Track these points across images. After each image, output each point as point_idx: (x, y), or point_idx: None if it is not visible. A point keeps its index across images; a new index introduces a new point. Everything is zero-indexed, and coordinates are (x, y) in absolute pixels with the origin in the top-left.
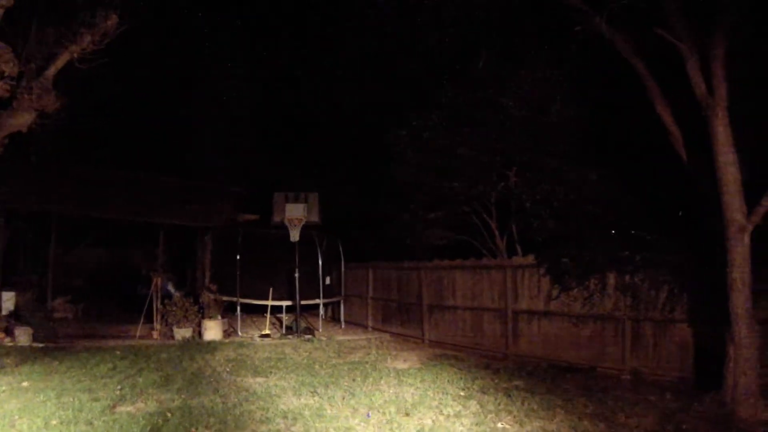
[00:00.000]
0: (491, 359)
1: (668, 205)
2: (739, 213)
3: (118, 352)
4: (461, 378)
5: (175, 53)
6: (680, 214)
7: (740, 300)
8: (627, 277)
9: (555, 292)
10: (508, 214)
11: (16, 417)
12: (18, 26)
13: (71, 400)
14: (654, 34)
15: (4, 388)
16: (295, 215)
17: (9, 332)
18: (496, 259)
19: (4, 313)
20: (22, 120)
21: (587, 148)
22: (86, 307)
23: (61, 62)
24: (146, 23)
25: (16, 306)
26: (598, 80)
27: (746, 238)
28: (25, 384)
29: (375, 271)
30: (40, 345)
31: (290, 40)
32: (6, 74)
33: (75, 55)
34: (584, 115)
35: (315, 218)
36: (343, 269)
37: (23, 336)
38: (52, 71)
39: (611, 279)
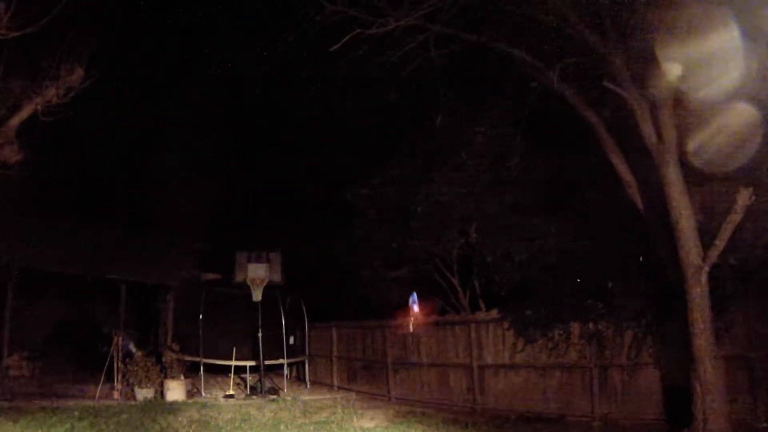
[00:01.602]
0: (459, 414)
1: (628, 251)
2: (695, 255)
3: (76, 413)
4: None
5: (141, 107)
6: (640, 259)
7: (702, 339)
8: (591, 325)
9: (520, 345)
10: (470, 270)
11: None
12: None
13: None
14: (604, 85)
15: None
16: (258, 275)
17: None
18: (459, 315)
19: None
20: None
21: (547, 199)
22: (44, 364)
23: (25, 113)
24: (111, 77)
25: None
26: (555, 132)
27: (704, 279)
28: None
29: (339, 330)
30: None
31: (252, 100)
32: None
33: (39, 107)
34: (542, 167)
35: (277, 278)
36: (307, 328)
37: None
38: (15, 121)
39: (575, 328)
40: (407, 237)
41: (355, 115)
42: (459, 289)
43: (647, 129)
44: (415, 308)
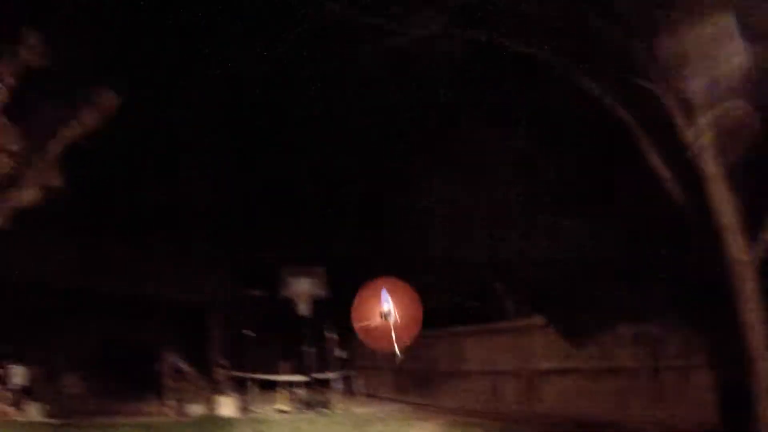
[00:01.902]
0: (511, 423)
1: (673, 249)
2: (741, 251)
3: (130, 429)
4: None
5: (170, 121)
6: (685, 257)
7: (756, 338)
8: (640, 327)
9: (569, 350)
10: (515, 276)
11: None
12: (23, 105)
13: None
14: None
15: None
16: (303, 290)
17: (20, 407)
18: (506, 322)
19: (14, 388)
20: (28, 195)
21: (586, 199)
22: (97, 382)
23: (65, 139)
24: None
25: (28, 381)
26: (585, 129)
27: (752, 275)
28: None
29: None
30: (52, 420)
31: (292, 111)
32: (12, 152)
33: (77, 132)
34: (574, 164)
35: (322, 292)
36: (355, 341)
37: (34, 411)
38: (56, 148)
39: (624, 330)
40: (449, 245)
41: (390, 122)
42: (504, 295)
43: (682, 123)
44: (391, 315)
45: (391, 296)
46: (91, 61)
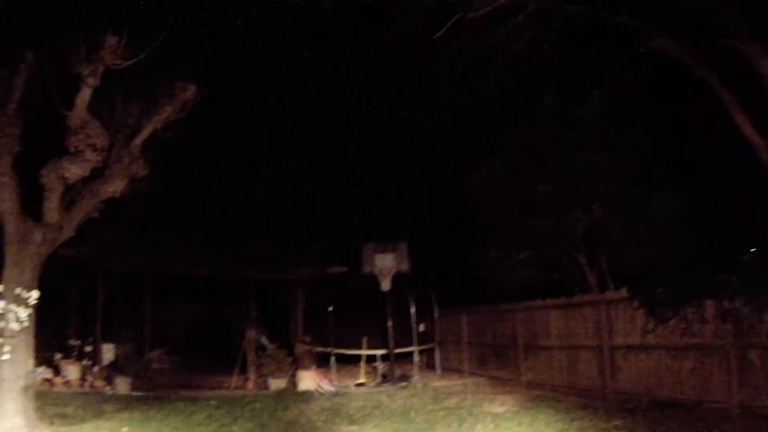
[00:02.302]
0: (589, 398)
1: (762, 219)
2: None
3: (213, 402)
4: (559, 419)
5: (249, 107)
6: None
7: None
8: (726, 303)
9: (651, 325)
10: (596, 249)
11: None
12: (105, 101)
13: None
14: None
15: None
16: (385, 265)
17: (109, 381)
18: (588, 296)
19: (105, 363)
20: (115, 187)
21: (671, 170)
22: (182, 358)
23: (146, 132)
24: (224, 88)
25: (116, 357)
26: (672, 99)
27: None
28: (124, 429)
29: (468, 316)
30: (139, 394)
31: (365, 93)
32: (98, 146)
33: (159, 124)
34: (662, 136)
35: (405, 267)
36: (436, 315)
37: (122, 385)
38: (139, 140)
39: (709, 306)
40: (531, 217)
41: (467, 101)
42: (586, 268)
43: None
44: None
45: None
46: (171, 55)
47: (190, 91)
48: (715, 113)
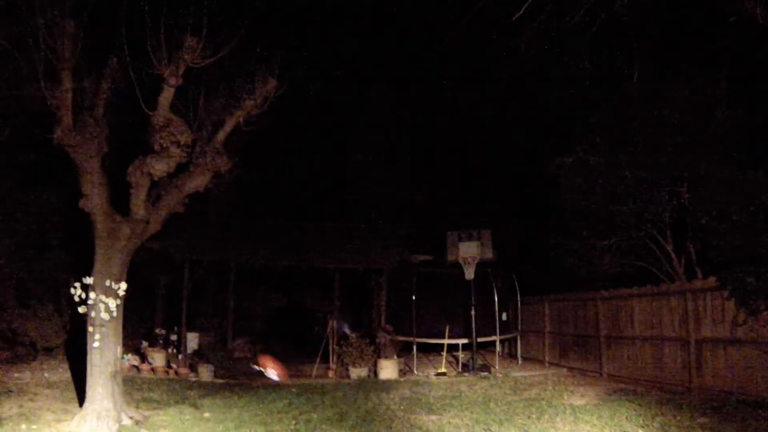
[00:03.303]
0: (673, 393)
1: None
2: None
3: (294, 390)
4: (640, 415)
5: (329, 100)
6: None
7: None
8: None
9: (741, 317)
10: (684, 235)
11: None
12: (188, 99)
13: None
14: None
15: (188, 417)
16: (470, 253)
17: (193, 369)
18: (674, 284)
19: (189, 351)
20: (199, 181)
21: (761, 150)
22: (264, 347)
23: (228, 127)
24: (304, 80)
25: (200, 346)
26: (761, 74)
27: None
28: (206, 415)
29: (551, 304)
30: (221, 381)
31: (446, 79)
32: (182, 143)
33: (240, 119)
34: (752, 114)
35: (489, 255)
36: (519, 304)
37: (205, 373)
38: (221, 136)
39: None
40: (616, 203)
41: (549, 85)
42: (673, 255)
43: None
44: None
45: None
46: (250, 50)
47: (271, 84)
48: None
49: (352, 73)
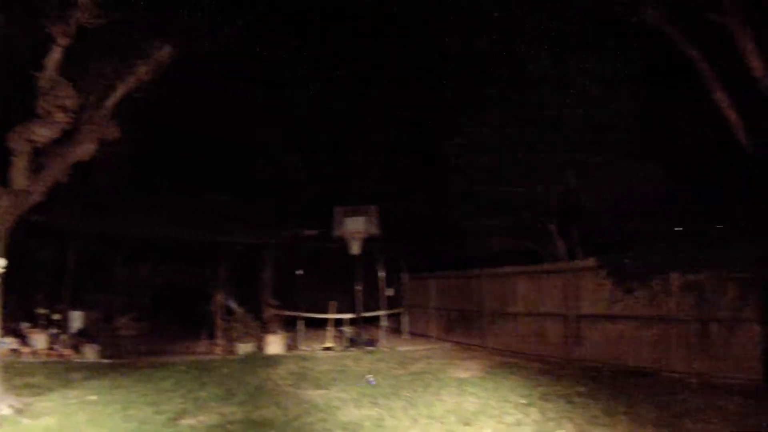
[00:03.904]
0: (553, 365)
1: (733, 197)
2: None
3: (181, 367)
4: (523, 385)
5: (229, 70)
6: (746, 206)
7: None
8: (691, 276)
9: (617, 295)
10: (568, 218)
11: (84, 428)
12: (77, 61)
13: (136, 413)
14: (707, 20)
15: (73, 401)
16: (355, 228)
17: (78, 349)
18: (557, 264)
19: (73, 331)
20: (86, 150)
21: (648, 143)
22: (151, 324)
23: (119, 93)
24: (199, 48)
25: (85, 325)
26: (655, 73)
27: None
28: (92, 397)
29: (436, 281)
30: (107, 361)
31: (348, 54)
32: (68, 108)
33: (132, 85)
34: (644, 109)
35: (375, 231)
36: (404, 280)
37: (90, 352)
38: (111, 102)
39: (675, 279)
40: (505, 185)
41: (449, 64)
42: (557, 236)
43: (755, 62)
44: None
45: None
46: (146, 14)
47: (165, 51)
48: (699, 92)
49: (252, 43)
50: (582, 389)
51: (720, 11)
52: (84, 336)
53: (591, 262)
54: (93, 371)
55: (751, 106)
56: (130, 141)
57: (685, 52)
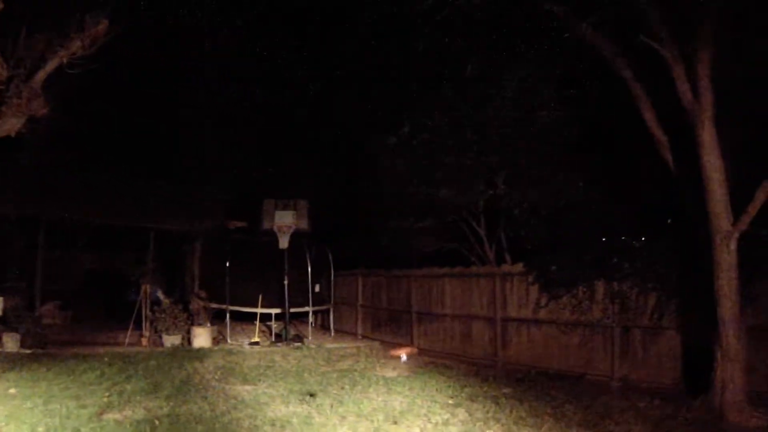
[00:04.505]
0: (480, 367)
1: (657, 211)
2: (725, 220)
3: (106, 359)
4: (450, 386)
5: (166, 57)
6: (668, 221)
7: (727, 306)
8: (615, 285)
9: (544, 300)
10: (497, 222)
11: (3, 424)
12: (7, 30)
13: (58, 407)
14: (639, 40)
15: None
16: (285, 222)
17: None
18: (484, 267)
19: None
20: (11, 124)
21: (576, 153)
22: (75, 313)
23: (50, 67)
24: (137, 27)
25: (4, 312)
26: (585, 84)
27: (732, 245)
28: (12, 391)
29: (365, 279)
30: (28, 351)
31: (281, 43)
32: None
33: (65, 60)
34: (572, 119)
35: (304, 225)
36: (332, 277)
37: (10, 342)
38: (41, 75)
39: (600, 287)
40: (435, 187)
41: (383, 63)
42: (485, 240)
43: (683, 87)
44: None
45: None
46: None
47: (102, 26)
48: (627, 106)
49: (192, 23)
50: (508, 390)
51: (653, 36)
52: (3, 324)
53: (519, 267)
54: (13, 362)
55: (678, 127)
56: (59, 118)
57: (618, 71)
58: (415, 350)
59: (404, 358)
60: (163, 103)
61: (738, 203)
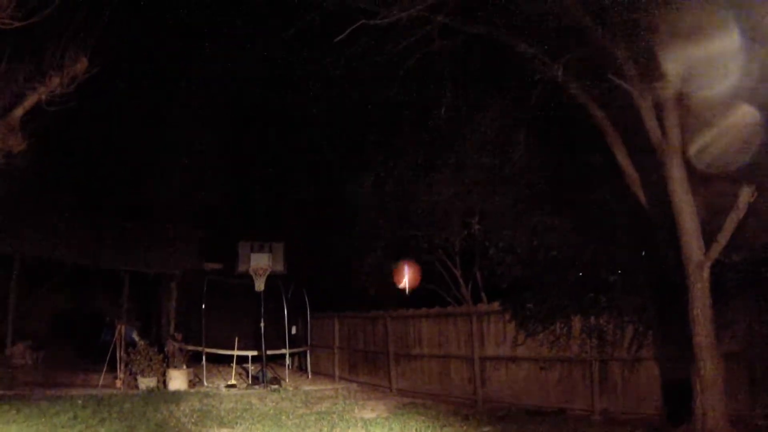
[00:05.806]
0: (460, 406)
1: (630, 246)
2: (696, 250)
3: (79, 401)
4: (429, 426)
5: (141, 96)
6: (642, 254)
7: (702, 335)
8: (592, 320)
9: (521, 338)
10: (472, 262)
11: None
12: None
13: None
14: (609, 81)
15: None
16: (260, 265)
17: None
18: (461, 307)
19: None
20: None
21: (549, 192)
22: (47, 353)
23: (28, 103)
24: (114, 67)
25: None
26: (559, 127)
27: (705, 275)
28: None
29: (341, 320)
30: None
31: (253, 93)
32: None
33: (43, 96)
34: (546, 162)
35: (280, 268)
36: (309, 319)
37: None
38: (19, 111)
39: (576, 322)
40: (410, 229)
41: (357, 108)
42: (461, 280)
43: (652, 125)
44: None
45: None
46: (61, 23)
47: (81, 64)
48: (599, 146)
49: (168, 68)
50: (489, 429)
51: (622, 76)
52: None
53: (495, 306)
54: None
55: (648, 164)
56: (36, 155)
57: (589, 112)
58: None
59: None
60: (139, 143)
61: (710, 231)
